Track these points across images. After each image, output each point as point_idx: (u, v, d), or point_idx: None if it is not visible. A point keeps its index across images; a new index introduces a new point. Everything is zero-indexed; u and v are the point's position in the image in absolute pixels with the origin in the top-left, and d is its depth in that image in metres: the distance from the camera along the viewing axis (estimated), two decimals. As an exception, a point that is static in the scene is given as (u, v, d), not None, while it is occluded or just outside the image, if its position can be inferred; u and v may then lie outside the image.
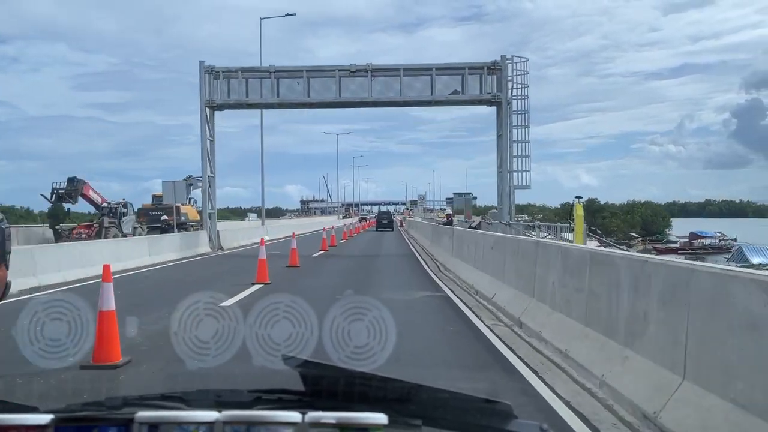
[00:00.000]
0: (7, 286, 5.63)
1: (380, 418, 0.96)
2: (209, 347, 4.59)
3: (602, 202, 78.30)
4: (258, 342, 3.73)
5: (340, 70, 22.75)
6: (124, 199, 30.64)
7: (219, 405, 1.05)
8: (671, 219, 79.44)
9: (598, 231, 50.32)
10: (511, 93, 22.95)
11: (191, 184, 30.27)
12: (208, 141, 24.03)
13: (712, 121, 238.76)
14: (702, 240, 51.98)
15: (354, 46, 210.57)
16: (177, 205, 26.04)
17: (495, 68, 22.73)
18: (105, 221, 27.74)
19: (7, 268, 5.54)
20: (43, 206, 35.69)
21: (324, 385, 1.10)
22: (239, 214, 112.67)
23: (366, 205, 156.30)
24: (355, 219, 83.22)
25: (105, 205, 30.05)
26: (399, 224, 61.24)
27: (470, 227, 23.54)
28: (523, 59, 23.28)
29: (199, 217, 29.89)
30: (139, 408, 1.02)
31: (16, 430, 0.97)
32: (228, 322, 4.17)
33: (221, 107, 24.11)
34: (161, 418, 0.98)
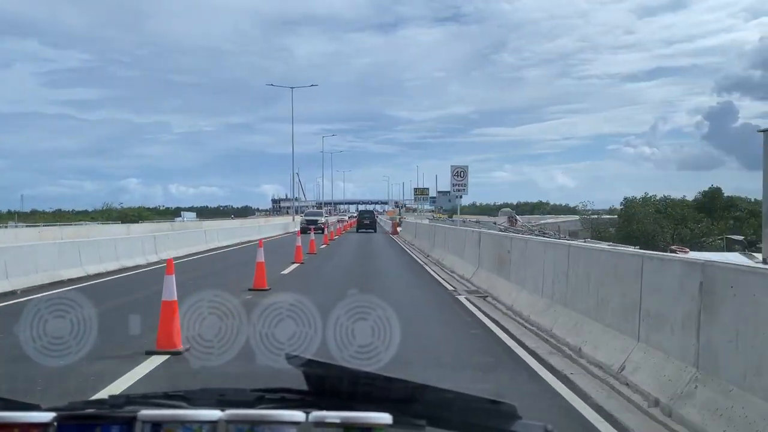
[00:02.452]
0: None
1: (384, 418, 0.95)
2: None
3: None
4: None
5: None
6: None
7: (222, 404, 1.05)
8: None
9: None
10: None
11: None
12: None
13: (686, 124, 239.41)
14: None
15: (332, 45, 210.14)
16: None
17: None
18: None
19: None
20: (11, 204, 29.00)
21: (328, 385, 1.09)
22: (164, 214, 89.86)
23: (342, 204, 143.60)
24: (333, 220, 52.34)
25: None
26: (392, 230, 39.96)
27: None
28: None
29: None
30: (141, 406, 1.02)
31: (19, 428, 0.96)
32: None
33: None
34: (164, 417, 0.97)
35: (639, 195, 47.13)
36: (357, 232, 42.63)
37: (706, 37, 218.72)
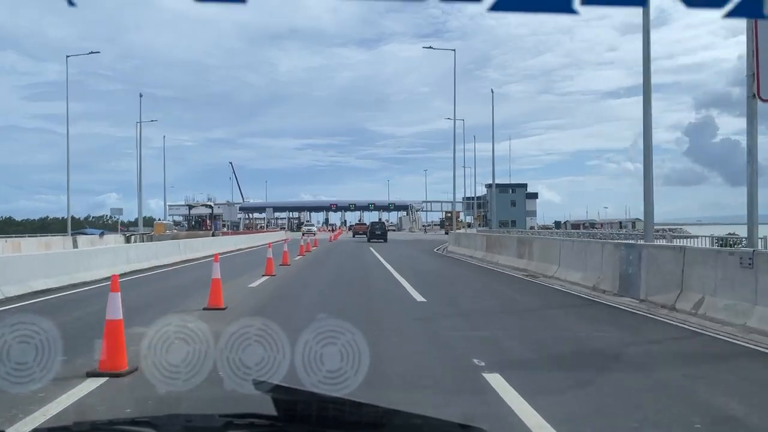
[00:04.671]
0: None
1: (353, 443, 0.94)
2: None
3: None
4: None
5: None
6: None
7: (189, 430, 1.03)
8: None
9: None
10: None
11: None
12: None
13: (666, 139, 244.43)
14: None
15: (315, 59, 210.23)
16: None
17: None
18: None
19: None
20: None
21: (297, 410, 1.08)
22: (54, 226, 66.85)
23: (321, 210, 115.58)
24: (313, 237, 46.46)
25: None
26: None
27: None
28: None
29: None
30: None
31: None
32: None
33: None
34: None
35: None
36: (368, 241, 45.68)
37: (686, 55, 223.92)
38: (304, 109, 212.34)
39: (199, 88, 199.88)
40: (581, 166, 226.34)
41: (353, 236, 59.57)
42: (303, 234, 57.02)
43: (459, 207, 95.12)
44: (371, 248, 34.52)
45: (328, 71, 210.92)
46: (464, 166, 62.68)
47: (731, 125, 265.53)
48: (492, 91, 43.52)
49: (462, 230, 47.01)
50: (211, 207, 59.36)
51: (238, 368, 4.66)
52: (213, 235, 43.79)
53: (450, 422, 1.08)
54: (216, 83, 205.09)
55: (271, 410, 1.10)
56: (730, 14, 1.07)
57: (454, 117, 41.63)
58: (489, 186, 62.54)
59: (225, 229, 70.15)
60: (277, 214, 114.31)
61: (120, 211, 58.19)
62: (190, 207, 59.98)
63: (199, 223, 60.51)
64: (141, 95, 49.79)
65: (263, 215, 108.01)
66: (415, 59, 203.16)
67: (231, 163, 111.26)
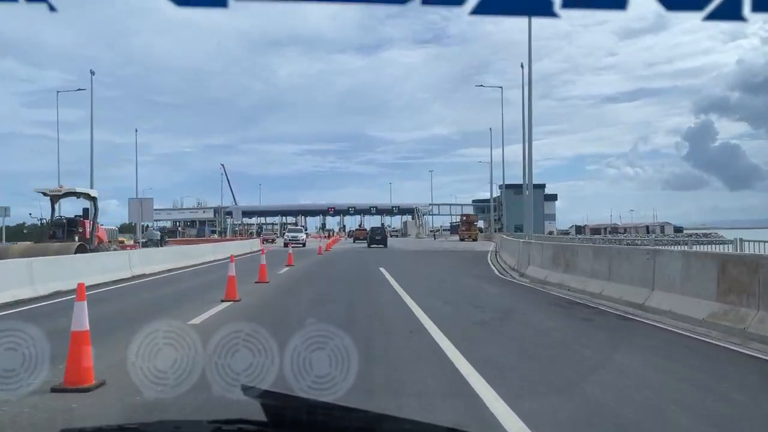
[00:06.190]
0: None
1: (342, 448, 0.94)
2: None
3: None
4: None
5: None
6: None
7: (177, 436, 1.03)
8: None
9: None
10: None
11: None
12: None
13: (665, 144, 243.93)
14: None
15: (315, 65, 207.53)
16: None
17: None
18: None
19: None
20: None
21: (286, 415, 1.08)
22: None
23: (317, 213, 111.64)
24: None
25: None
26: None
27: None
28: None
29: None
30: None
31: None
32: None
33: None
34: None
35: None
36: (369, 247, 45.79)
37: (685, 59, 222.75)
38: (303, 115, 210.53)
39: (198, 94, 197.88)
40: (581, 171, 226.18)
41: (354, 242, 59.55)
42: (285, 243, 42.81)
43: (471, 210, 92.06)
44: (382, 269, 21.22)
45: (328, 77, 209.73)
46: (486, 161, 60.73)
47: (730, 129, 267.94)
48: (521, 66, 30.62)
49: (538, 239, 24.80)
50: (93, 198, 26.31)
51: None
52: (81, 251, 21.02)
53: (440, 426, 1.08)
54: (216, 89, 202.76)
55: (260, 416, 1.09)
56: (711, 16, 1.08)
57: (530, 70, 26.19)
58: (509, 186, 55.82)
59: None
60: (270, 219, 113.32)
61: (5, 210, 37.53)
62: (52, 199, 25.90)
63: (65, 227, 26.17)
64: (93, 73, 41.62)
65: (253, 220, 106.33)
66: (414, 65, 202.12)
67: (222, 165, 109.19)
